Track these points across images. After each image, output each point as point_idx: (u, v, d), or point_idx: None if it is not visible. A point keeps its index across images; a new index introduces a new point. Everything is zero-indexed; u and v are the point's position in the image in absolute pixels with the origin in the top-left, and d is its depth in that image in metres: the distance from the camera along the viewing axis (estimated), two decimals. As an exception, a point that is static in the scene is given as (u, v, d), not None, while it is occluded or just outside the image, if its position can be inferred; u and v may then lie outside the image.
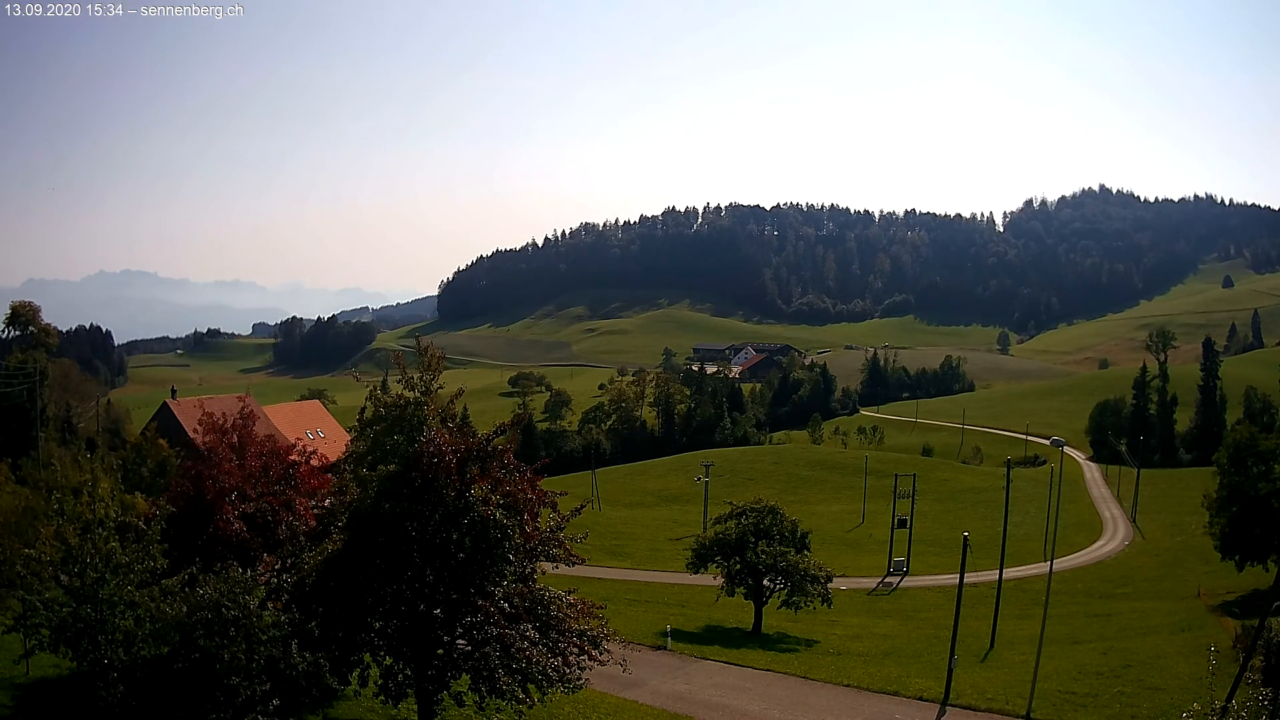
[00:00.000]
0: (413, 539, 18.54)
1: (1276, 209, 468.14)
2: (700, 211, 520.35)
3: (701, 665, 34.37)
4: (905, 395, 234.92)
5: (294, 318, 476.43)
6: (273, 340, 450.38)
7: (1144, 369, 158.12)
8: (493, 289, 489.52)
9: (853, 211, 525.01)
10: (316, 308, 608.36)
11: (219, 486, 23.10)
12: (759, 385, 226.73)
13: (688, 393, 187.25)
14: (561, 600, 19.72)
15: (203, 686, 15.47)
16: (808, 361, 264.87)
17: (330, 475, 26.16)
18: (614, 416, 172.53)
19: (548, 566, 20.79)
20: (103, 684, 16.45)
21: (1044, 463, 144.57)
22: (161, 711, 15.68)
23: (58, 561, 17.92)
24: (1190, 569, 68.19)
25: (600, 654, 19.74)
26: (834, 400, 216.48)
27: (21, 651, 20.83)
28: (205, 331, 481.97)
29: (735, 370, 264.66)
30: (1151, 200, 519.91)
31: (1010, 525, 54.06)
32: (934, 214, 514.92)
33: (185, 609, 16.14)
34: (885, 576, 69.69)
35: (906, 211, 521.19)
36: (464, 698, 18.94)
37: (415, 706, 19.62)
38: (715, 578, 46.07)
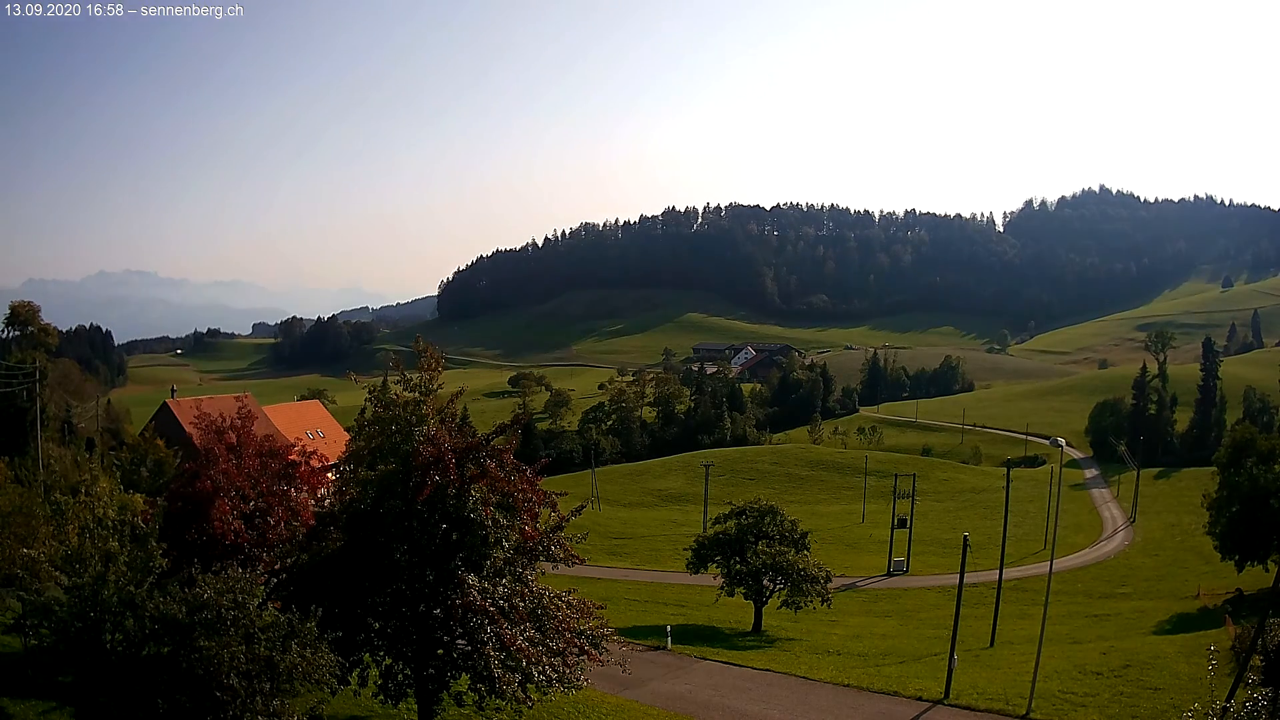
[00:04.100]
0: (412, 539, 18.54)
1: (1276, 209, 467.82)
2: (700, 211, 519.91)
3: (701, 665, 34.36)
4: (905, 395, 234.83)
5: (294, 317, 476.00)
6: (273, 340, 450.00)
7: (1144, 369, 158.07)
8: (493, 289, 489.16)
9: (853, 211, 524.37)
10: (316, 307, 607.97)
11: (216, 486, 23.06)
12: (759, 385, 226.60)
13: (687, 393, 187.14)
14: (561, 600, 19.71)
15: (203, 686, 15.46)
16: (807, 361, 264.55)
17: (329, 475, 26.14)
18: (614, 416, 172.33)
19: (548, 566, 20.78)
20: (103, 683, 16.45)
21: (1043, 463, 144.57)
22: (162, 711, 15.66)
23: (58, 561, 17.92)
24: (1190, 569, 68.30)
25: (600, 654, 19.73)
26: (834, 400, 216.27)
27: (21, 651, 20.81)
28: (205, 331, 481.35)
29: (735, 370, 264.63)
30: (1151, 200, 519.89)
31: (1010, 525, 54.11)
32: (934, 214, 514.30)
33: (185, 609, 16.12)
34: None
35: (906, 211, 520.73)
36: (464, 697, 18.95)
37: (415, 706, 19.62)
38: (715, 578, 46.09)
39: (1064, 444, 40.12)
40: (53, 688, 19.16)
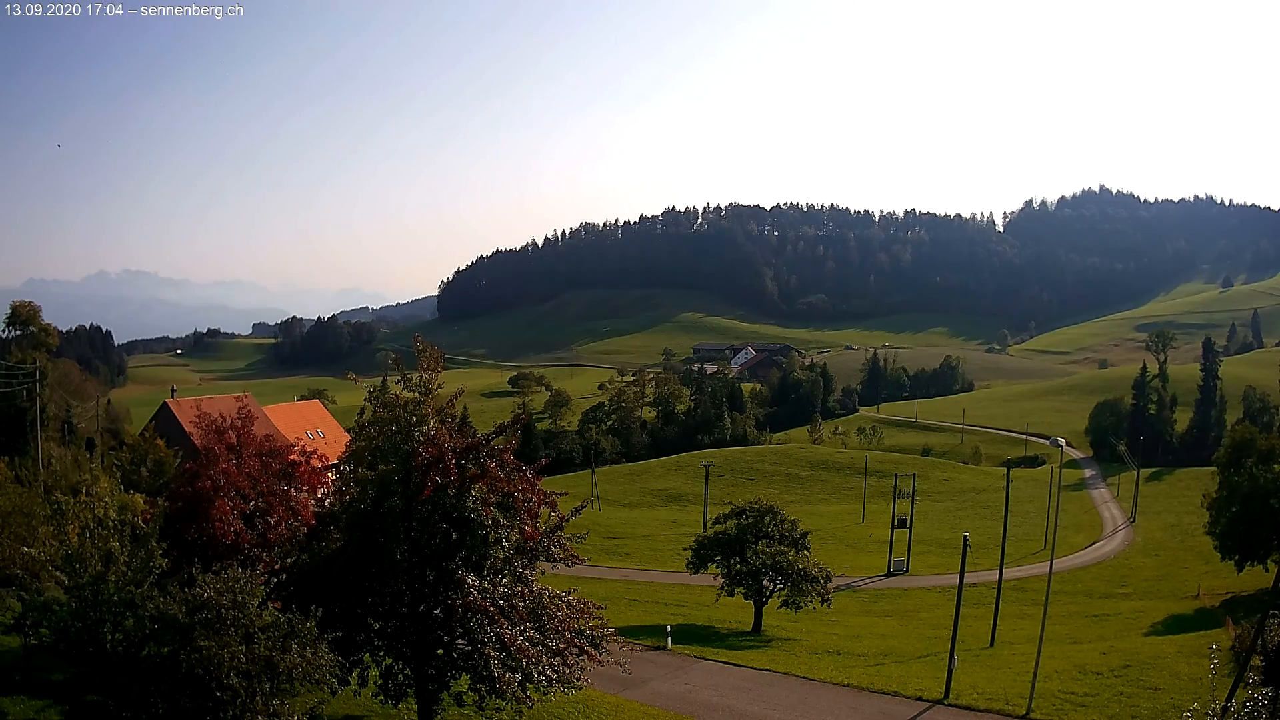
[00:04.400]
0: (412, 538, 18.54)
1: (1276, 209, 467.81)
2: (700, 211, 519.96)
3: (701, 665, 34.36)
4: (905, 395, 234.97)
5: (294, 317, 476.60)
6: (273, 340, 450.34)
7: (1144, 369, 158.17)
8: (493, 289, 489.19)
9: (853, 211, 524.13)
10: (316, 307, 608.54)
11: (216, 486, 23.06)
12: (759, 385, 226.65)
13: (687, 393, 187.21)
14: (561, 600, 19.72)
15: (203, 686, 15.48)
16: (807, 361, 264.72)
17: (329, 475, 26.14)
18: (614, 416, 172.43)
19: (548, 566, 20.79)
20: (103, 683, 16.47)
21: (1043, 463, 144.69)
22: (162, 711, 15.68)
23: (58, 561, 17.93)
24: (1190, 569, 68.32)
25: (600, 654, 19.74)
26: (834, 400, 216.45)
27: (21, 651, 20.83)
28: (205, 331, 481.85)
29: (735, 370, 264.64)
30: (1151, 200, 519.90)
31: (1010, 525, 54.11)
32: (934, 214, 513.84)
33: (185, 609, 16.13)
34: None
35: (906, 211, 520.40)
36: (464, 698, 18.96)
37: (415, 706, 19.63)
38: (715, 578, 46.09)
39: (1064, 444, 40.24)
40: (46, 686, 19.23)
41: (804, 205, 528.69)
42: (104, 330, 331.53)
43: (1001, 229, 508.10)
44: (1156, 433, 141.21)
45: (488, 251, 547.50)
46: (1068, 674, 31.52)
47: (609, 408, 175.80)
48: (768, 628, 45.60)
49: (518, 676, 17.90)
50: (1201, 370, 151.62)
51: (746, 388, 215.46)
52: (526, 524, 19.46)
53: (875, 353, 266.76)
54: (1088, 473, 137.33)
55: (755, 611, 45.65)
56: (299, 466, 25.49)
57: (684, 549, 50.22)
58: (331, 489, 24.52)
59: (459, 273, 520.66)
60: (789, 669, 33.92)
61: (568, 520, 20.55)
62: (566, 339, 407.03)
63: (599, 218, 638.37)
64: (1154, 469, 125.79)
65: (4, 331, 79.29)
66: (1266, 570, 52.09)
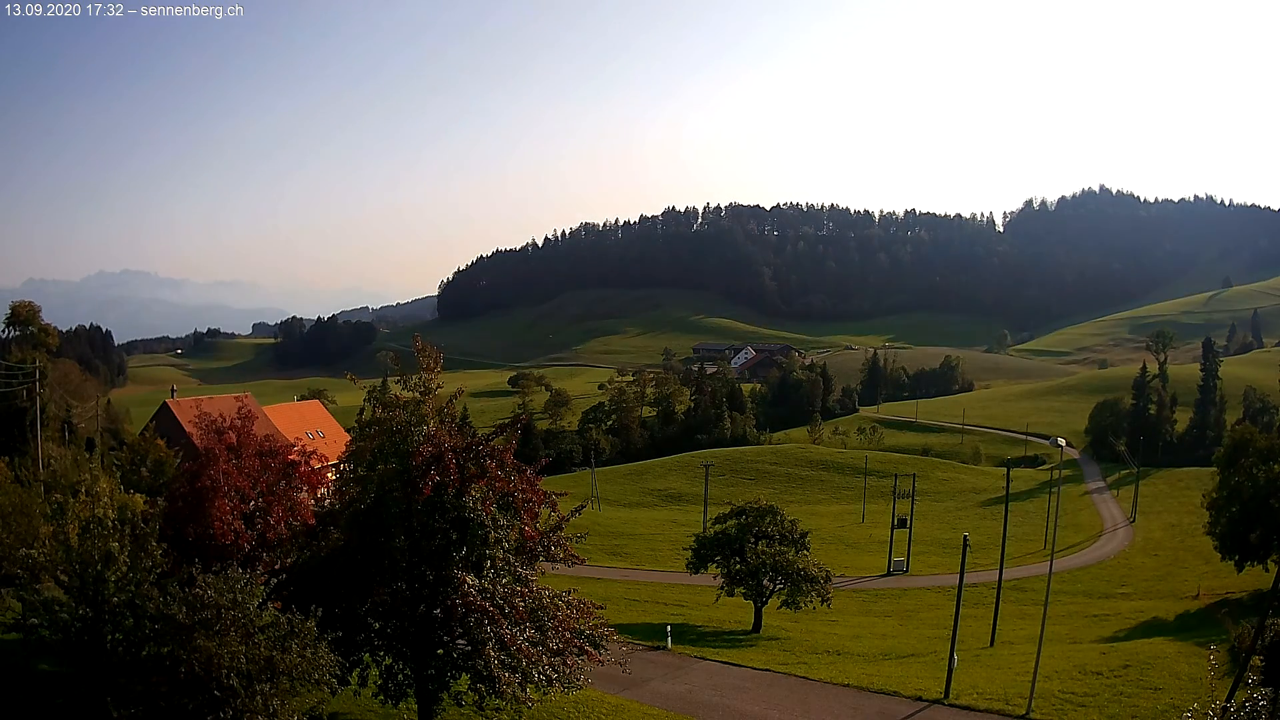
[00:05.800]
0: (412, 538, 18.54)
1: (1276, 209, 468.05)
2: (700, 212, 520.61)
3: (701, 665, 34.35)
4: (905, 395, 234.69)
5: (294, 317, 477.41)
6: (273, 340, 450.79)
7: (1144, 369, 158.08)
8: (493, 289, 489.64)
9: (853, 211, 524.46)
10: (316, 307, 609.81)
11: (216, 486, 23.01)
12: (759, 385, 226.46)
13: (687, 393, 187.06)
14: (561, 600, 19.72)
15: (202, 686, 15.47)
16: (807, 361, 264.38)
17: (330, 474, 26.10)
18: (613, 416, 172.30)
19: (548, 566, 20.79)
20: (104, 682, 16.48)
21: (1043, 463, 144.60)
22: (162, 711, 15.67)
23: (58, 561, 17.93)
24: (1190, 569, 68.29)
25: (600, 654, 19.75)
26: (834, 400, 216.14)
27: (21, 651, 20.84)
28: (205, 331, 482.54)
29: (735, 370, 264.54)
30: (1151, 200, 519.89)
31: (1010, 525, 54.12)
32: (934, 214, 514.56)
33: (185, 609, 16.13)
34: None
35: (906, 211, 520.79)
36: (464, 698, 18.96)
37: (415, 706, 19.63)
38: (715, 578, 46.09)
39: (1064, 444, 40.33)
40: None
41: (804, 205, 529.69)
42: (104, 330, 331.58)
43: (1001, 229, 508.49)
44: (1156, 433, 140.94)
45: (488, 251, 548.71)
46: (1068, 674, 31.51)
47: (609, 408, 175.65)
48: (767, 627, 45.58)
49: (518, 676, 17.90)
50: (1201, 370, 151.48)
51: (746, 388, 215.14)
52: (526, 524, 19.45)
53: (875, 353, 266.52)
54: (1087, 472, 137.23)
55: (755, 611, 45.64)
56: (299, 466, 25.43)
57: (684, 549, 50.20)
58: (331, 489, 24.49)
59: (459, 273, 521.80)
60: (789, 669, 33.90)
61: (567, 520, 20.56)
62: (566, 339, 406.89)
63: (599, 218, 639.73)
64: (1154, 469, 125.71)
65: (4, 331, 79.14)
66: (1266, 570, 52.06)
